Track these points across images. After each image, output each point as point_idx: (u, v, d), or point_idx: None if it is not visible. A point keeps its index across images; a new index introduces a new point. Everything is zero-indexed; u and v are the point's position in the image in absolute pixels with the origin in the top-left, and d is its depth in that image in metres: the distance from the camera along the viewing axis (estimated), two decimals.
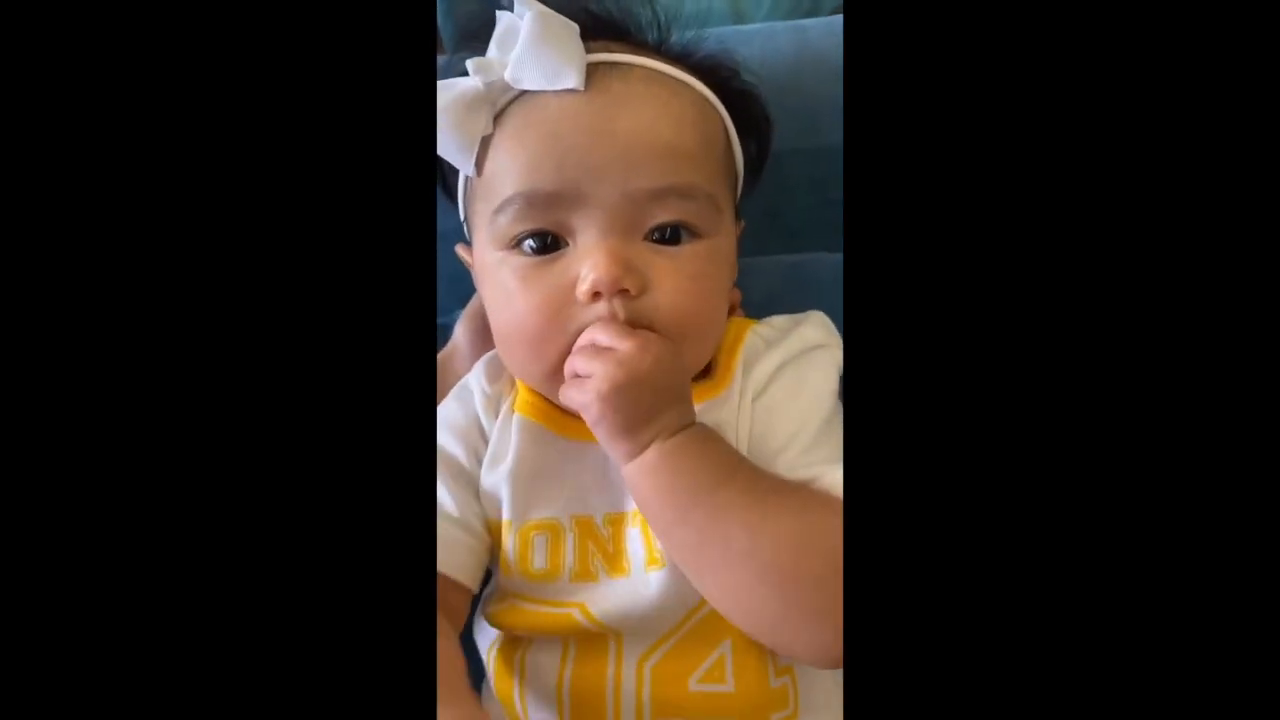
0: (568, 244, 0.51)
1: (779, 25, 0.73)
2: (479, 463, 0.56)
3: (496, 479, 0.54)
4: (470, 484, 0.55)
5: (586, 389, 0.48)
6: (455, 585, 0.53)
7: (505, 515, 0.54)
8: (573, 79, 0.49)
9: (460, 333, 0.64)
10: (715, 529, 0.47)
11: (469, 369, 0.60)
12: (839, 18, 0.74)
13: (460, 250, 0.60)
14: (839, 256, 0.67)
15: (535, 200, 0.50)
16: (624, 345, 0.48)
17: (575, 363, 0.49)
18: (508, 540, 0.54)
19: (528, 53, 0.49)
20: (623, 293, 0.49)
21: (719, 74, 0.57)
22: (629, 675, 0.51)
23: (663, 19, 0.57)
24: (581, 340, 0.50)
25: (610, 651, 0.52)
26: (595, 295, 0.49)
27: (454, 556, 0.53)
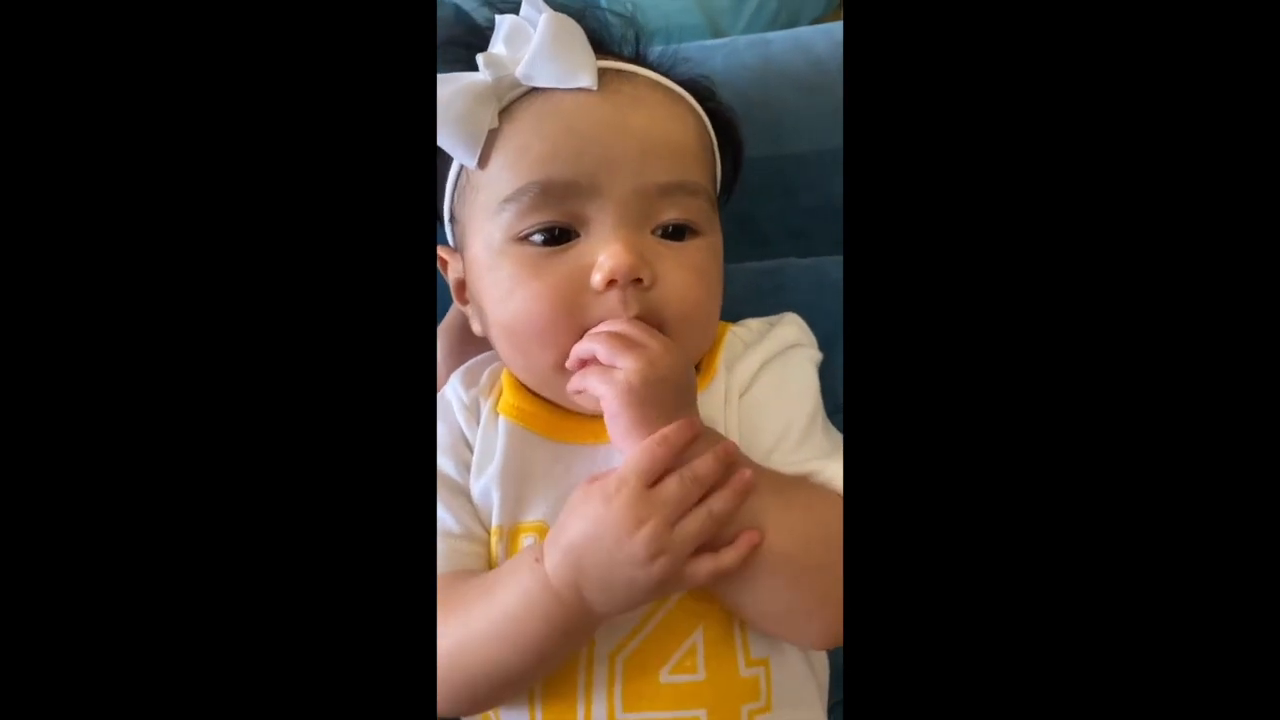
0: (579, 235, 0.52)
1: (742, 40, 0.76)
2: (469, 472, 0.56)
3: (485, 484, 0.55)
4: (466, 497, 0.56)
5: (616, 379, 0.49)
6: None
7: (495, 520, 0.54)
8: (587, 78, 0.52)
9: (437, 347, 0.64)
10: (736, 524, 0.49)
11: (444, 382, 0.60)
12: (800, 30, 0.77)
13: (442, 253, 0.60)
14: (807, 261, 0.70)
15: (552, 189, 0.51)
16: (652, 343, 0.49)
17: (598, 351, 0.49)
18: (497, 545, 0.54)
19: (543, 52, 0.51)
20: (636, 283, 0.51)
21: (698, 94, 0.59)
22: (600, 669, 0.52)
23: (636, 32, 0.59)
24: (600, 329, 0.50)
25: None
26: (609, 284, 0.50)
27: (466, 569, 0.54)
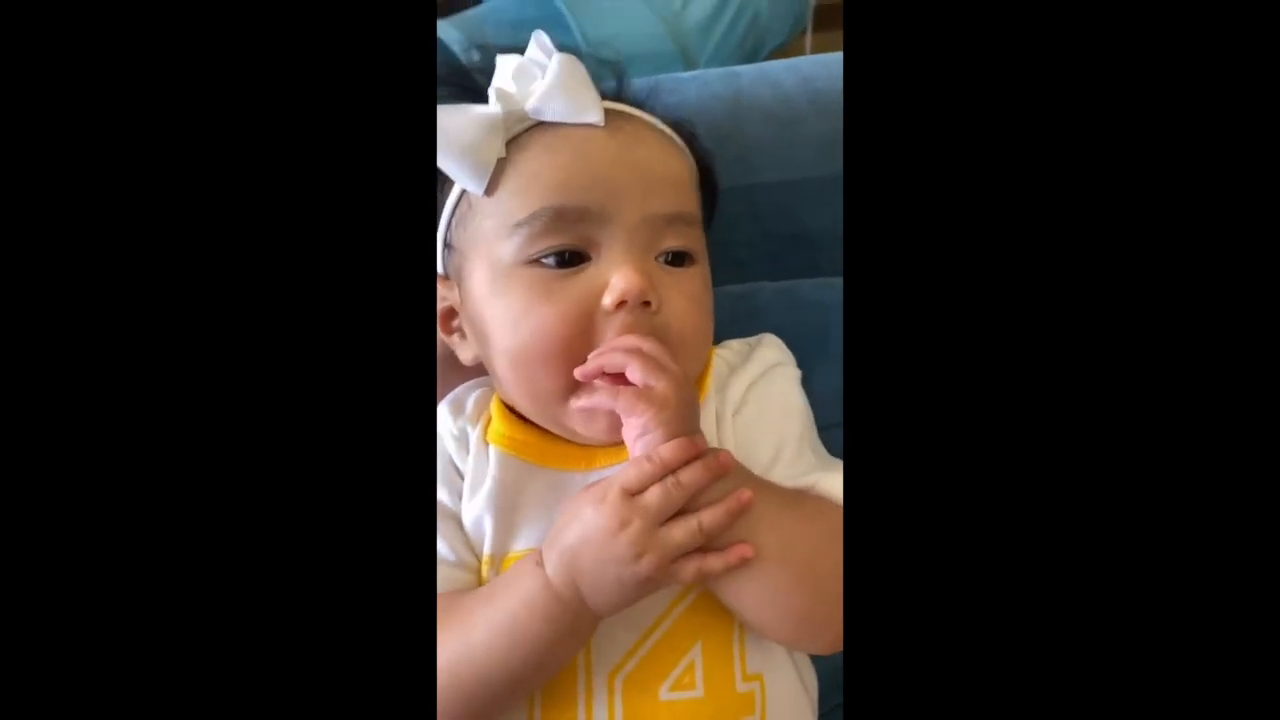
0: (590, 258, 0.54)
1: (713, 73, 0.79)
2: (460, 499, 0.57)
3: (477, 511, 0.56)
4: (459, 523, 0.57)
5: (654, 397, 0.50)
6: None
7: (487, 549, 0.55)
8: (595, 115, 0.55)
9: None
10: (748, 537, 0.51)
11: None
12: (767, 65, 0.80)
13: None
14: (779, 284, 0.72)
15: (565, 214, 0.53)
16: (674, 366, 0.51)
17: (632, 372, 0.51)
18: (489, 573, 0.55)
19: (555, 89, 0.55)
20: (644, 305, 0.53)
21: (683, 136, 0.62)
22: (599, 688, 0.52)
23: (619, 76, 0.62)
24: (622, 342, 0.52)
25: (580, 667, 0.53)
26: (620, 305, 0.52)
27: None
